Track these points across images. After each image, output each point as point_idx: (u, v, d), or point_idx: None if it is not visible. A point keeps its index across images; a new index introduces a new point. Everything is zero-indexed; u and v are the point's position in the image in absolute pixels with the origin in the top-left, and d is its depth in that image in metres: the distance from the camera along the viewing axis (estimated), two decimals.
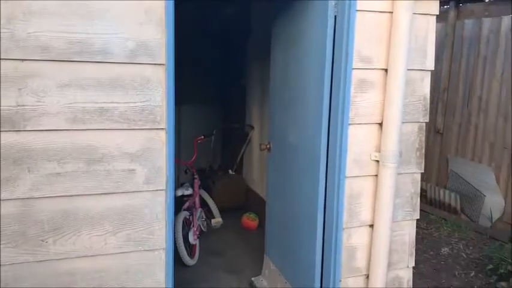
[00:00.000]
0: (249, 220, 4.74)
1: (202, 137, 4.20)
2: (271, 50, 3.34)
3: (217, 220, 4.39)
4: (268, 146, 3.37)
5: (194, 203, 4.11)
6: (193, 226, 3.96)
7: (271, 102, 3.40)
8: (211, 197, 4.53)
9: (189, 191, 4.08)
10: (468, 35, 5.32)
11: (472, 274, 3.94)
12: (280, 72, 3.22)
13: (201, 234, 4.11)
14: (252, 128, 5.04)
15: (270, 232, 3.47)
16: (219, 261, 3.98)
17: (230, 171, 5.35)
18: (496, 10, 5.03)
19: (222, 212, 4.50)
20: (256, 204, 4.85)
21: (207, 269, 3.84)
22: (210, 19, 5.34)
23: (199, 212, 4.13)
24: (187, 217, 3.99)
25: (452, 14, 5.38)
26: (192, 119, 5.42)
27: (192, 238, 3.92)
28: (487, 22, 5.07)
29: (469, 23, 5.30)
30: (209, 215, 4.44)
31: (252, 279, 3.59)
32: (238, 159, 5.26)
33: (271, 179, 3.42)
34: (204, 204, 4.39)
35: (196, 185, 4.15)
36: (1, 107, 1.91)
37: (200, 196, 4.27)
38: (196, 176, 4.16)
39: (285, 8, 3.04)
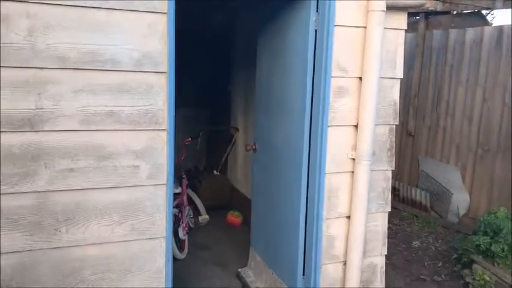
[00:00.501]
0: (234, 217, 5.01)
1: (190, 138, 4.45)
2: (257, 59, 3.64)
3: (204, 217, 4.64)
4: (253, 147, 3.66)
5: (182, 200, 4.36)
6: (182, 222, 4.21)
7: (257, 107, 3.69)
8: (197, 196, 4.79)
9: (178, 190, 4.32)
10: (436, 44, 5.73)
11: (439, 264, 4.31)
12: (265, 79, 3.51)
13: (189, 230, 4.36)
14: (237, 130, 5.33)
15: (256, 226, 3.76)
16: (207, 255, 4.24)
17: (215, 172, 5.62)
18: (461, 22, 5.46)
19: (208, 210, 4.75)
20: (240, 203, 5.13)
21: (196, 262, 4.09)
22: (199, 29, 5.60)
23: (187, 210, 4.39)
24: (177, 214, 4.23)
25: (422, 25, 5.79)
26: (180, 121, 5.65)
27: (181, 233, 4.17)
28: (453, 33, 5.49)
29: (437, 33, 5.72)
30: (196, 212, 4.70)
31: (239, 270, 3.86)
32: (223, 160, 5.53)
33: (257, 177, 3.71)
34: (191, 202, 4.64)
35: (184, 184, 4.40)
36: (22, 110, 2.14)
37: (187, 195, 4.52)
38: (184, 176, 4.41)
39: (271, 23, 3.33)
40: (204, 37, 5.78)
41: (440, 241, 4.86)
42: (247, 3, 4.26)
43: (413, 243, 4.81)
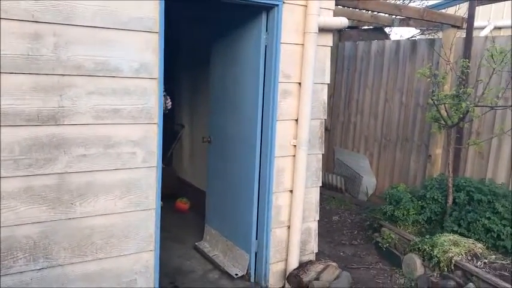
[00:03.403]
0: (182, 203, 5.66)
1: None
2: (210, 65, 4.37)
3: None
4: (209, 139, 4.39)
5: None
6: None
7: (212, 106, 4.41)
8: None
9: None
10: (347, 54, 6.82)
11: (355, 232, 5.34)
12: (219, 83, 4.25)
13: None
14: (183, 126, 5.98)
15: (211, 204, 4.49)
16: (165, 235, 4.77)
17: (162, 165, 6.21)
18: (367, 36, 6.60)
19: None
20: (186, 191, 5.80)
21: None
22: None
23: None
24: None
25: (335, 37, 6.83)
26: None
27: None
28: (361, 45, 6.60)
29: (348, 44, 6.81)
30: None
31: (196, 243, 4.56)
32: (169, 153, 6.15)
33: (212, 163, 4.44)
34: None
35: None
36: (49, 108, 2.70)
37: None
38: None
39: (225, 36, 4.08)
40: None
41: (354, 215, 5.92)
42: (196, 18, 4.98)
43: (333, 218, 5.82)
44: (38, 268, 2.81)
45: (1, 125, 2.57)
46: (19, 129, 2.64)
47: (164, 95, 5.25)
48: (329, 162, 7.13)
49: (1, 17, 2.48)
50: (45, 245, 2.82)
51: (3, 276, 2.71)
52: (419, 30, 8.45)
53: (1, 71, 2.52)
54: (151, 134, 3.10)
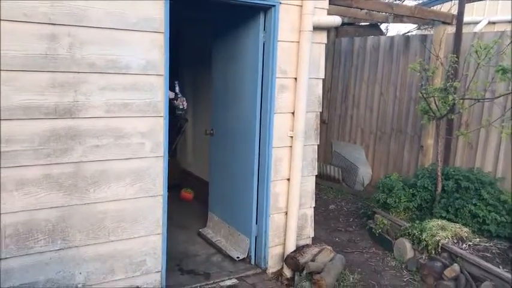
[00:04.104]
0: (187, 193, 5.94)
1: None
2: (212, 62, 4.62)
3: None
4: (211, 132, 4.65)
5: None
6: None
7: (213, 101, 4.67)
8: None
9: None
10: (344, 49, 7.07)
11: (351, 220, 5.61)
12: (220, 79, 4.51)
13: None
14: (186, 120, 6.24)
15: (213, 193, 4.76)
16: (170, 222, 5.05)
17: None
18: (363, 32, 6.84)
19: None
20: (190, 182, 6.07)
21: None
22: None
23: None
24: None
25: (332, 34, 7.08)
26: None
27: None
28: (357, 40, 6.84)
29: (344, 40, 7.06)
30: None
31: (200, 230, 4.84)
32: (173, 146, 6.41)
33: (214, 154, 4.70)
34: None
35: None
36: (65, 102, 2.96)
37: None
38: None
39: (225, 35, 4.33)
40: None
41: (350, 204, 6.19)
42: (198, 18, 5.23)
43: (330, 206, 6.09)
44: (56, 249, 3.09)
45: (23, 118, 2.83)
46: (39, 122, 2.90)
47: (180, 97, 5.56)
48: (327, 154, 7.39)
49: (22, 20, 2.74)
50: (62, 227, 3.09)
51: (25, 256, 2.98)
52: (415, 25, 8.67)
53: (23, 70, 2.78)
54: (158, 126, 3.36)
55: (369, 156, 6.73)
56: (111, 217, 3.27)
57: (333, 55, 7.16)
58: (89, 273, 3.23)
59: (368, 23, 6.80)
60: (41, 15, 2.79)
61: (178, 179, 6.14)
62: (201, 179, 5.70)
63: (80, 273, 3.19)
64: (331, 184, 6.96)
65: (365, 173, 6.69)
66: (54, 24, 2.84)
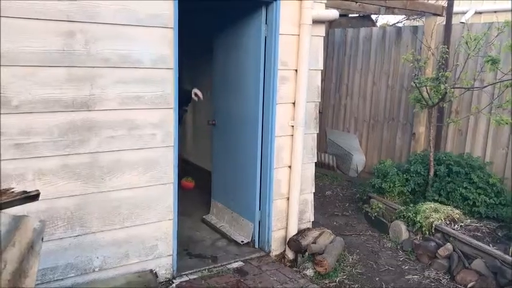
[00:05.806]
0: (188, 182, 6.11)
1: None
2: (213, 54, 4.78)
3: None
4: (214, 122, 4.82)
5: None
6: None
7: (215, 92, 4.83)
8: None
9: None
10: (337, 40, 7.26)
11: (347, 204, 5.85)
12: (221, 71, 4.66)
13: None
14: (186, 111, 6.39)
15: (217, 181, 4.94)
16: None
17: None
18: (356, 23, 7.04)
19: None
20: (191, 171, 6.24)
21: None
22: None
23: None
24: None
25: (326, 24, 7.25)
26: None
27: None
28: (350, 31, 7.04)
29: (338, 31, 7.24)
30: None
31: (203, 217, 5.02)
32: None
33: (217, 144, 4.88)
34: None
35: None
36: (82, 95, 3.12)
37: None
38: None
39: (227, 28, 4.49)
40: None
41: (345, 190, 6.43)
42: (200, 10, 5.36)
43: (326, 192, 6.31)
44: (75, 235, 3.26)
45: (43, 111, 2.98)
46: (57, 114, 3.05)
47: (195, 92, 5.72)
48: (321, 142, 7.59)
49: (41, 18, 2.87)
50: (80, 215, 3.26)
51: (47, 242, 3.14)
52: (404, 16, 8.87)
53: (42, 65, 2.93)
54: (169, 118, 3.52)
55: (363, 143, 6.96)
56: (126, 204, 3.44)
57: (326, 46, 7.32)
58: (106, 258, 3.40)
59: (361, 14, 6.99)
60: (59, 13, 2.93)
61: (179, 168, 6.28)
62: (202, 168, 5.88)
63: (97, 258, 3.37)
64: (326, 171, 7.19)
65: (359, 160, 6.92)
66: (71, 21, 2.98)
